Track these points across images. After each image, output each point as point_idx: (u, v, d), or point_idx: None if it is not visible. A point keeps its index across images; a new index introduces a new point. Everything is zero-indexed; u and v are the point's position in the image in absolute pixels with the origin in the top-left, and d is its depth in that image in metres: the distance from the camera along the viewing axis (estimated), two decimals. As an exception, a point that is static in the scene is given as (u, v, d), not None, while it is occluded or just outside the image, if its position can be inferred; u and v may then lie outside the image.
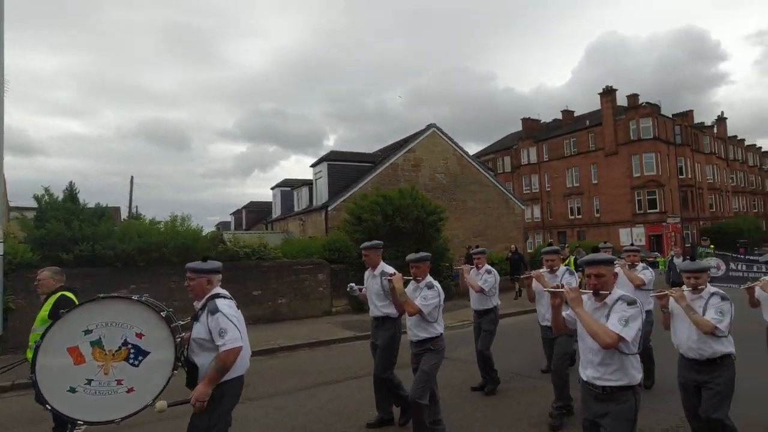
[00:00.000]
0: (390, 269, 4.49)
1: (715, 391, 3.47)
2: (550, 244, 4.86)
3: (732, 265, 8.49)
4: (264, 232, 22.29)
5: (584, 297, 2.84)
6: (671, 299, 3.65)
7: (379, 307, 4.52)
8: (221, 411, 2.94)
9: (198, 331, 2.92)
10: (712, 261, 8.45)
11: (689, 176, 40.12)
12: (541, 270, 4.91)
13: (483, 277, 5.75)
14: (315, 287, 11.56)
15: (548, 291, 3.09)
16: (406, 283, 4.16)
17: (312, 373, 6.80)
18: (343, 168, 18.96)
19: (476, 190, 20.46)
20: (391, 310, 4.47)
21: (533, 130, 49.25)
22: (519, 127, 51.79)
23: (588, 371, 2.82)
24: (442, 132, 19.93)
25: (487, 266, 5.91)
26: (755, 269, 8.20)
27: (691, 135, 41.71)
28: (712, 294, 3.57)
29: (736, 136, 51.53)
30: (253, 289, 10.66)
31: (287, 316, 10.93)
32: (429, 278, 4.14)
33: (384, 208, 12.73)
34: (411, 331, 4.11)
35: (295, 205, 22.75)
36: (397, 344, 4.55)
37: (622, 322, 2.64)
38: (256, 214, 35.84)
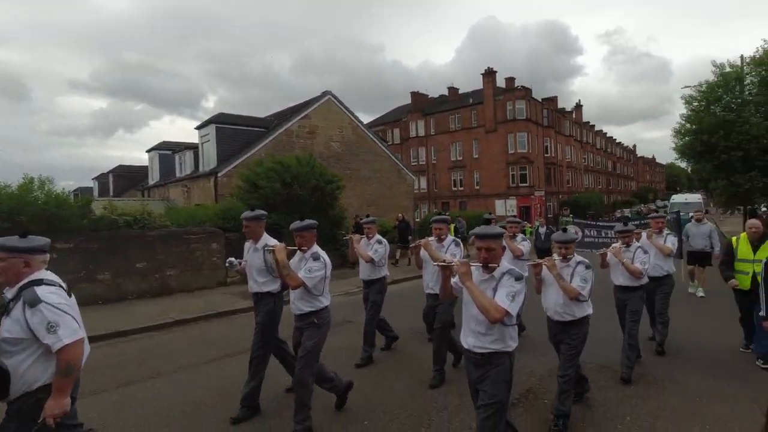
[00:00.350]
0: (273, 241, 4.20)
1: (571, 346, 3.94)
2: (439, 213, 4.75)
3: (586, 232, 9.41)
4: (140, 200, 20.17)
5: (472, 269, 2.86)
6: (544, 267, 4.01)
7: (260, 284, 4.22)
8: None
9: (8, 327, 2.28)
10: (572, 228, 8.85)
11: (553, 155, 45.41)
12: (429, 238, 5.01)
13: (374, 247, 5.66)
14: (208, 257, 10.89)
15: (438, 265, 3.05)
16: (291, 255, 3.91)
17: (215, 346, 6.51)
18: (233, 132, 17.81)
19: (370, 159, 20.79)
20: (274, 286, 4.22)
21: (422, 104, 51.08)
22: (407, 101, 53.31)
23: (469, 339, 2.91)
24: (338, 100, 19.72)
25: (378, 236, 5.82)
26: (603, 235, 9.46)
27: (555, 118, 46.98)
28: (579, 263, 3.96)
29: (588, 122, 59.31)
30: (137, 261, 9.67)
31: (177, 288, 10.16)
32: (315, 248, 3.90)
33: (282, 175, 12.34)
34: (294, 304, 3.87)
35: (178, 170, 20.87)
36: (277, 319, 4.32)
37: (510, 297, 2.74)
38: (126, 179, 32.06)
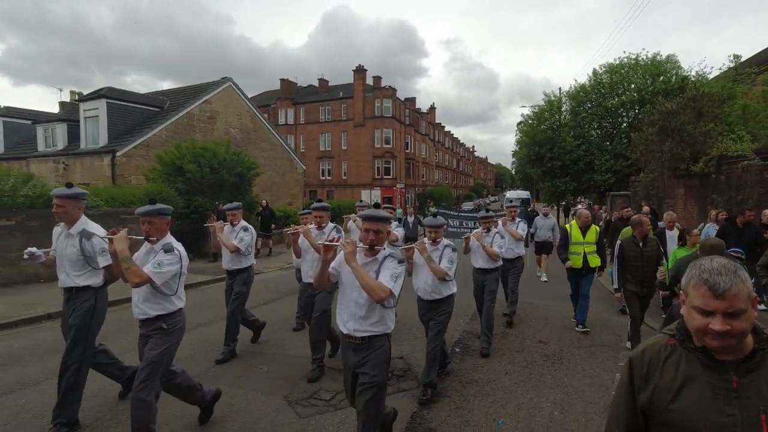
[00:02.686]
0: (94, 225, 3.67)
1: (437, 321, 4.27)
2: (319, 200, 4.82)
3: (450, 222, 11.31)
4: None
5: (357, 250, 2.82)
6: (416, 251, 4.24)
7: (75, 277, 3.56)
8: None
9: None
10: (439, 218, 11.11)
11: (412, 151, 50.57)
12: (309, 226, 4.90)
13: (239, 235, 5.30)
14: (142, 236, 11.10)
15: (324, 244, 2.86)
16: (138, 245, 3.36)
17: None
18: (126, 109, 16.93)
19: (266, 148, 21.57)
20: (95, 279, 3.57)
21: (291, 92, 51.59)
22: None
23: (349, 324, 2.86)
24: (237, 87, 20.04)
25: (244, 222, 5.48)
26: (465, 225, 11.38)
27: (414, 118, 52.28)
28: (446, 246, 4.26)
29: (440, 123, 66.83)
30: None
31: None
32: (168, 238, 3.30)
33: (210, 160, 12.87)
34: (137, 306, 3.22)
35: (41, 144, 18.66)
36: (98, 321, 3.65)
37: (393, 278, 2.76)
38: None
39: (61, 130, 17.95)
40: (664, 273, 3.99)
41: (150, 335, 3.22)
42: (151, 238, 3.25)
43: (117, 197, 11.67)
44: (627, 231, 6.74)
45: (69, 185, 3.64)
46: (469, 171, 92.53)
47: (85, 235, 3.53)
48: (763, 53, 19.71)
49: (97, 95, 16.64)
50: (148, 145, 16.13)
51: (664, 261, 4.31)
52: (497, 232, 5.75)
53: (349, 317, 2.86)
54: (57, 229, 3.71)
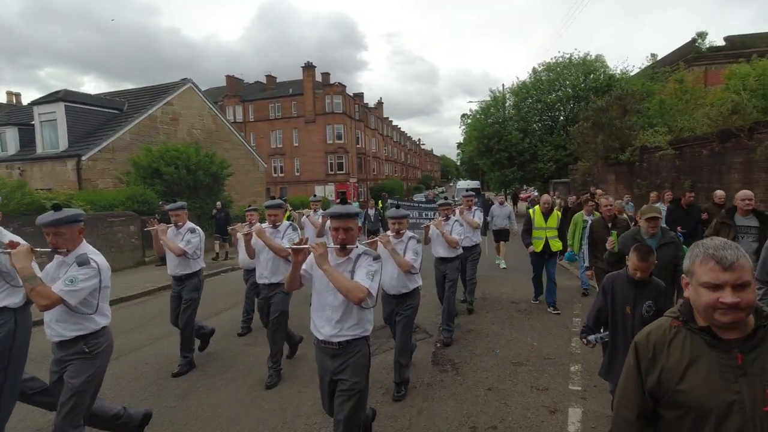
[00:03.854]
0: (9, 235, 3.08)
1: (404, 316, 4.16)
2: (273, 198, 4.25)
3: (411, 213, 11.54)
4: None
5: (328, 251, 2.64)
6: (379, 244, 4.00)
7: None
8: None
9: None
10: (402, 210, 10.82)
11: (363, 146, 51.60)
12: (263, 225, 4.64)
13: (185, 237, 4.83)
14: (128, 239, 11.45)
15: (292, 248, 2.68)
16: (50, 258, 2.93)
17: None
18: (85, 112, 16.76)
19: (229, 148, 21.83)
20: (13, 299, 3.03)
21: (238, 89, 50.95)
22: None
23: (325, 329, 2.70)
24: (198, 88, 20.20)
25: (190, 224, 5.03)
26: (424, 216, 10.93)
27: (363, 113, 53.32)
28: (410, 238, 4.14)
29: (388, 117, 68.30)
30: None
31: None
32: (83, 248, 2.88)
33: (187, 162, 13.32)
34: (50, 327, 2.82)
35: (-10, 150, 17.97)
36: (21, 346, 3.09)
37: (369, 276, 2.60)
38: None
39: (12, 135, 17.39)
40: (613, 242, 3.93)
41: (69, 360, 2.82)
42: (60, 250, 2.75)
43: (97, 201, 11.90)
44: (578, 216, 7.18)
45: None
46: (417, 163, 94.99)
47: (1, 250, 2.90)
48: (675, 53, 22.71)
49: (54, 98, 16.34)
50: (112, 149, 16.11)
51: (613, 231, 4.37)
52: (456, 221, 5.79)
53: (325, 322, 2.71)
54: None
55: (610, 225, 5.26)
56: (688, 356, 1.40)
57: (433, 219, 6.24)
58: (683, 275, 1.47)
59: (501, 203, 10.76)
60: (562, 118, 25.15)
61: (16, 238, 2.91)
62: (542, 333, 5.74)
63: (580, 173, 18.62)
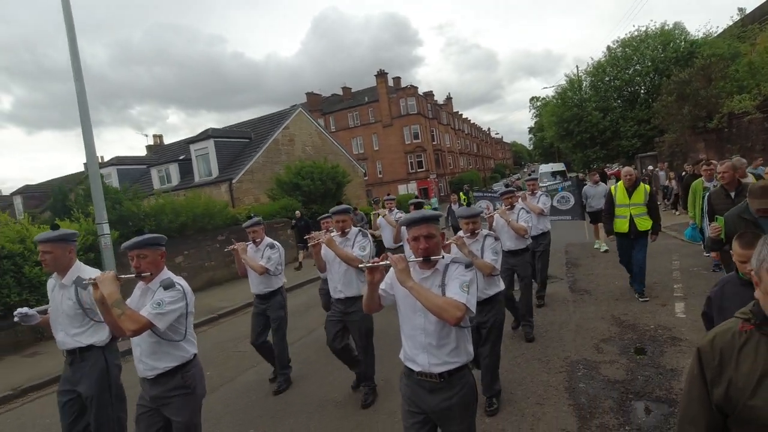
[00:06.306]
0: (90, 270, 3.13)
1: (491, 327, 3.76)
2: (340, 203, 4.42)
3: (495, 204, 9.13)
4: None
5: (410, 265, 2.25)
6: (453, 247, 3.64)
7: (75, 336, 3.06)
8: None
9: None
10: (483, 203, 9.03)
11: (438, 143, 53.61)
12: (332, 233, 4.25)
13: (265, 254, 4.76)
14: (287, 240, 14.68)
15: (365, 267, 2.29)
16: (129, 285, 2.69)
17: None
18: (227, 144, 20.68)
19: (333, 159, 25.06)
20: (97, 338, 3.07)
21: (317, 104, 55.28)
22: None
23: (420, 358, 2.26)
24: (306, 111, 23.66)
25: (268, 239, 4.95)
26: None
27: (435, 110, 55.30)
28: (486, 236, 3.77)
29: (458, 111, 69.59)
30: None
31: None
32: (165, 273, 2.75)
33: (320, 174, 16.41)
34: (142, 362, 2.65)
35: (155, 183, 22.59)
36: (114, 386, 3.12)
37: (464, 288, 2.16)
38: (36, 199, 30.91)
39: (174, 169, 21.82)
40: (719, 228, 3.41)
41: (167, 397, 2.66)
42: (144, 275, 2.68)
43: (259, 212, 15.27)
44: (697, 183, 6.44)
45: (54, 226, 3.16)
46: (489, 153, 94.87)
47: (80, 283, 2.99)
48: (766, 5, 21.74)
49: (205, 136, 20.44)
50: (252, 171, 19.81)
51: (719, 217, 3.65)
52: (522, 208, 5.43)
53: (419, 349, 2.28)
54: (50, 282, 3.20)
55: (733, 194, 4.39)
56: (761, 366, 1.21)
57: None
58: (753, 273, 1.26)
59: (595, 182, 9.88)
60: (643, 92, 25.42)
61: (97, 272, 2.82)
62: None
63: (667, 145, 19.24)
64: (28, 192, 31.07)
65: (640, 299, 6.11)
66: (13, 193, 31.74)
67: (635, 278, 6.23)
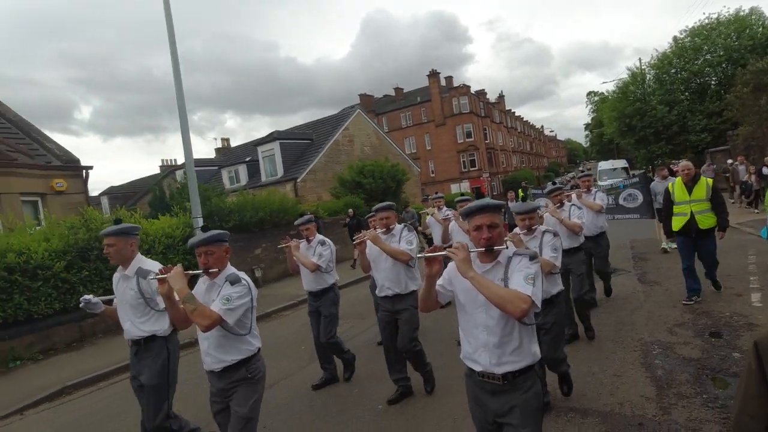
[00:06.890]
0: (150, 263, 3.31)
1: (547, 329, 3.63)
2: (382, 200, 4.24)
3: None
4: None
5: (471, 255, 2.12)
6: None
7: (139, 325, 3.21)
8: None
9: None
10: (542, 201, 8.60)
11: (491, 141, 53.12)
12: (377, 231, 4.17)
13: (317, 251, 4.75)
14: (350, 235, 15.49)
15: (425, 257, 2.14)
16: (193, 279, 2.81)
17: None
18: (290, 145, 21.89)
19: (390, 158, 25.75)
20: (159, 326, 3.23)
21: (370, 105, 56.32)
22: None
23: (482, 357, 2.14)
24: (364, 113, 24.50)
25: (319, 236, 4.95)
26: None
27: (488, 109, 54.80)
28: (544, 232, 3.63)
29: (510, 109, 68.44)
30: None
31: (341, 258, 14.72)
32: (230, 269, 2.83)
33: (381, 173, 17.10)
34: (210, 355, 2.75)
35: (226, 183, 24.22)
36: (173, 375, 3.32)
37: (530, 281, 2.01)
38: (120, 199, 33.87)
39: (243, 170, 23.34)
40: None
41: (230, 388, 2.76)
42: (211, 271, 2.75)
43: (323, 209, 16.16)
44: None
45: (117, 221, 3.31)
46: (542, 151, 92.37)
47: (141, 273, 3.18)
48: None
49: (271, 138, 21.75)
50: (314, 170, 20.85)
51: None
52: (573, 204, 5.28)
53: (480, 348, 2.14)
54: (116, 276, 3.36)
55: None
56: None
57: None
58: None
59: (663, 177, 9.31)
60: (713, 83, 24.18)
61: (157, 265, 3.11)
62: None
63: (742, 138, 18.32)
64: (112, 193, 34.25)
65: (714, 289, 6.04)
66: (101, 194, 34.95)
67: (708, 271, 5.99)
